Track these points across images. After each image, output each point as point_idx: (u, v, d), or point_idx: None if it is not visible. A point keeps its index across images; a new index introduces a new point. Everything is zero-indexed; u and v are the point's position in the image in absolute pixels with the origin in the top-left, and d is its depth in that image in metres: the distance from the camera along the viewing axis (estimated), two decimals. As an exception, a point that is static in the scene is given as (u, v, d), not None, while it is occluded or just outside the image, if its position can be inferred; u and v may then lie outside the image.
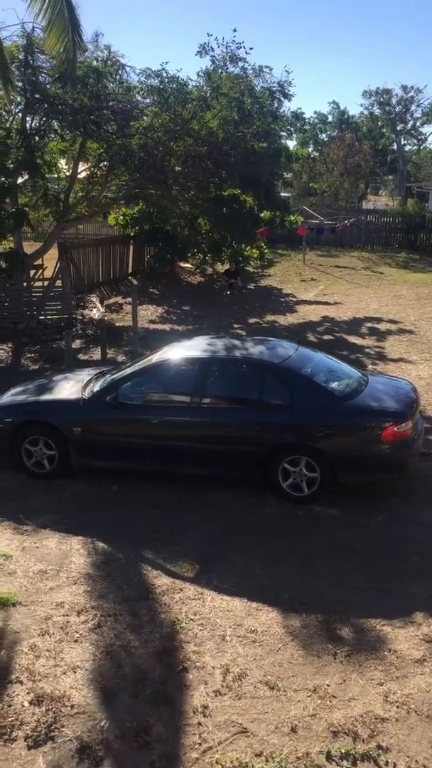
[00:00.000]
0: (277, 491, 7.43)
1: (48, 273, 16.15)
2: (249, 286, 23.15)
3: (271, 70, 17.53)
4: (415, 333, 16.05)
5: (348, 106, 79.31)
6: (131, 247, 22.90)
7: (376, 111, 54.12)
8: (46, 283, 15.75)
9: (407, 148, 56.93)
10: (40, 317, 15.21)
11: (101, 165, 16.98)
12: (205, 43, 17.07)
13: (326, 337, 15.81)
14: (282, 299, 21.08)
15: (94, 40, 15.42)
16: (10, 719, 4.25)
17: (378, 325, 17.06)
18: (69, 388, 8.37)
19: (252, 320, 17.68)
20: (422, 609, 5.53)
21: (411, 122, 54.08)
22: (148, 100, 16.35)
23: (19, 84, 14.65)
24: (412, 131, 55.48)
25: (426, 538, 6.74)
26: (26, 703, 4.39)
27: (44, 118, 15.55)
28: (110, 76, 15.59)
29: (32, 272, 15.84)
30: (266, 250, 25.34)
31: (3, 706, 4.35)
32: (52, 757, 3.99)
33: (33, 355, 13.64)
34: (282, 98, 18.68)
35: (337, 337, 15.71)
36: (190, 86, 16.79)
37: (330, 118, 60.11)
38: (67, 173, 17.69)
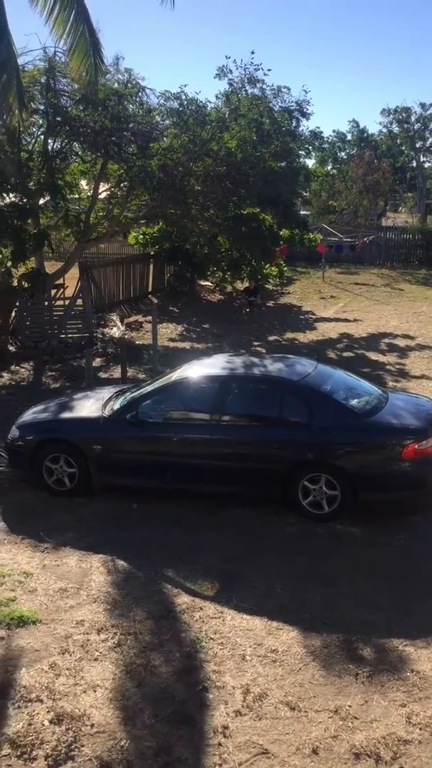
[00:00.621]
0: (298, 509, 7.39)
1: (69, 292, 16.36)
2: (268, 304, 23.19)
3: (289, 90, 17.77)
4: (436, 350, 15.95)
5: (367, 125, 79.47)
6: (151, 266, 23.08)
7: (395, 129, 54.28)
8: (67, 302, 15.96)
9: (426, 165, 56.98)
10: (62, 336, 15.40)
11: (122, 185, 17.21)
12: (224, 65, 17.41)
13: (346, 354, 15.77)
14: (301, 317, 21.08)
15: (115, 63, 15.74)
16: (30, 738, 4.24)
17: (398, 341, 16.99)
18: (89, 406, 8.42)
19: (271, 338, 17.70)
20: (445, 629, 5.46)
21: (430, 139, 54.11)
22: (167, 122, 16.59)
23: (41, 107, 14.93)
24: (431, 148, 55.49)
25: (448, 557, 6.65)
26: (46, 722, 4.38)
27: (66, 140, 15.82)
28: (131, 99, 15.87)
29: (54, 292, 16.04)
30: (285, 268, 25.40)
31: (23, 724, 4.35)
32: (72, 776, 3.98)
33: (54, 373, 13.75)
34: (300, 117, 18.90)
35: (356, 354, 15.66)
36: (208, 108, 17.03)
37: (349, 137, 60.35)
38: (88, 194, 17.94)
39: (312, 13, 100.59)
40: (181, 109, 16.20)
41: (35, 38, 27.51)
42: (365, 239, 32.31)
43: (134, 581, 6.17)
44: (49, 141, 15.77)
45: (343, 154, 59.13)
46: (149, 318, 17.25)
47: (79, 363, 13.92)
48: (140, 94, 16.23)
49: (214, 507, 7.60)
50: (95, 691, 4.68)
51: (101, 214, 17.96)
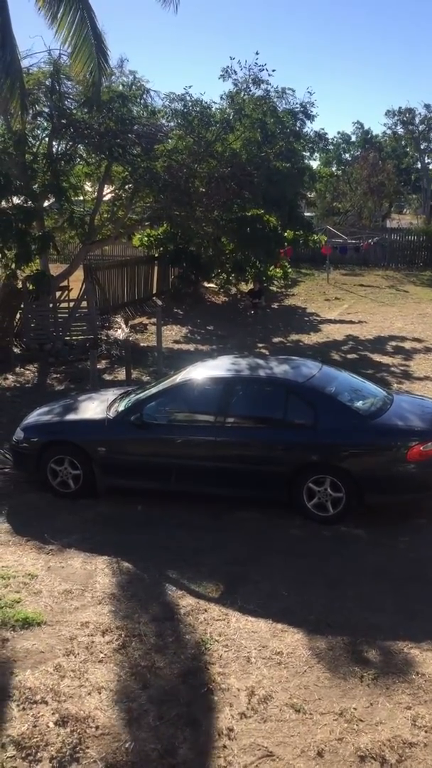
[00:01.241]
0: (302, 511, 7.38)
1: (74, 294, 16.39)
2: (273, 306, 23.19)
3: (294, 91, 17.74)
4: (441, 351, 15.93)
5: (372, 126, 79.52)
6: (156, 268, 23.10)
7: (400, 130, 54.21)
8: (71, 304, 15.98)
9: (431, 166, 56.87)
10: (66, 338, 15.43)
11: (126, 187, 17.24)
12: (228, 66, 17.35)
13: (351, 356, 15.75)
14: (306, 318, 21.07)
15: (119, 66, 15.77)
16: (35, 740, 4.24)
17: (403, 343, 16.97)
18: (94, 408, 8.43)
19: (276, 339, 17.69)
20: (451, 631, 5.44)
21: (434, 141, 54.02)
22: (172, 124, 16.61)
23: (46, 109, 14.97)
24: (436, 150, 55.41)
25: (454, 559, 6.64)
26: (51, 724, 4.38)
27: (70, 143, 15.85)
28: (135, 101, 15.88)
29: (58, 294, 16.07)
30: (290, 270, 25.39)
31: (28, 726, 4.35)
32: (77, 778, 3.98)
33: (59, 375, 13.76)
34: (305, 119, 18.86)
35: (361, 356, 15.64)
36: (213, 109, 17.03)
37: (353, 138, 60.31)
38: (93, 196, 17.98)
39: (315, 15, 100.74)
40: (185, 110, 16.21)
41: (40, 40, 27.55)
42: (370, 241, 32.29)
43: (139, 583, 6.17)
44: (54, 143, 15.80)
45: (347, 155, 59.10)
46: (154, 320, 17.27)
47: (84, 365, 13.94)
48: (145, 95, 16.27)
49: (219, 509, 7.60)
50: (100, 693, 4.68)
51: (106, 216, 17.98)
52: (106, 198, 17.86)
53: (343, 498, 7.23)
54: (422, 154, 53.78)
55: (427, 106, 50.95)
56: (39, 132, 16.20)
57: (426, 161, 54.73)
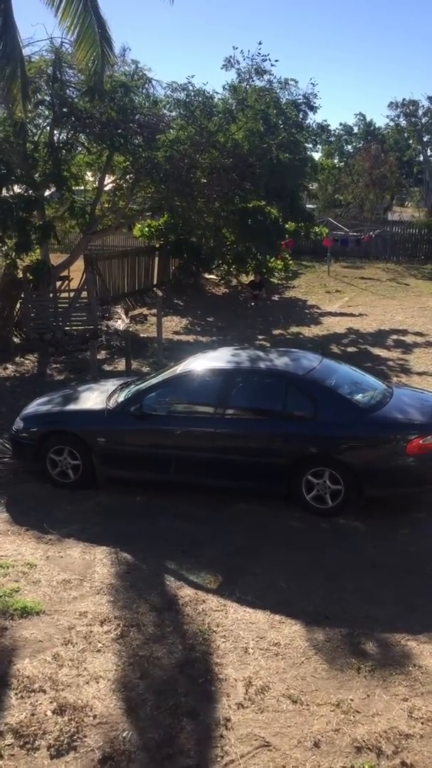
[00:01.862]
0: (302, 503, 7.39)
1: (74, 284, 16.36)
2: (273, 298, 23.15)
3: (296, 82, 17.57)
4: (441, 345, 15.91)
5: (374, 118, 79.13)
6: (156, 259, 23.05)
7: (402, 122, 53.96)
8: (72, 294, 15.95)
9: (433, 159, 56.67)
10: (66, 328, 15.41)
11: (127, 177, 17.18)
12: (231, 56, 17.18)
13: (351, 349, 15.74)
14: (306, 311, 21.04)
15: (122, 55, 15.68)
16: (33, 728, 4.26)
17: (403, 337, 16.95)
18: (94, 398, 8.42)
19: (276, 332, 17.67)
20: (448, 624, 5.46)
21: (437, 133, 53.79)
22: (174, 114, 16.52)
23: (47, 98, 14.90)
24: (439, 142, 55.19)
25: (452, 553, 6.65)
26: (49, 713, 4.40)
27: (72, 132, 15.78)
28: (137, 90, 15.79)
29: (58, 284, 16.04)
30: (291, 262, 25.33)
31: (26, 714, 4.37)
32: (75, 767, 3.99)
33: (58, 365, 13.76)
34: (307, 110, 18.70)
35: (361, 349, 15.63)
36: (215, 99, 16.92)
37: (356, 130, 60.05)
38: (94, 185, 17.92)
39: (319, 5, 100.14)
40: (188, 100, 16.10)
41: (41, 28, 27.43)
42: (371, 233, 32.20)
43: (137, 573, 6.19)
44: (55, 132, 15.74)
45: (349, 147, 58.86)
46: (154, 311, 17.24)
47: (84, 355, 13.93)
48: (147, 85, 16.17)
49: (218, 500, 7.61)
50: (98, 682, 4.70)
51: (107, 206, 17.93)
52: (107, 188, 17.80)
53: (342, 491, 7.24)
54: (425, 146, 53.54)
55: (430, 98, 50.71)
56: (40, 121, 16.14)
57: (429, 154, 54.48)
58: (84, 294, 16.05)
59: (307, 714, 4.46)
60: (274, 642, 5.21)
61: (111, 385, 8.90)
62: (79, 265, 17.29)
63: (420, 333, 17.34)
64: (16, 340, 14.81)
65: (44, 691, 4.59)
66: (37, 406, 8.61)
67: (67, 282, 16.36)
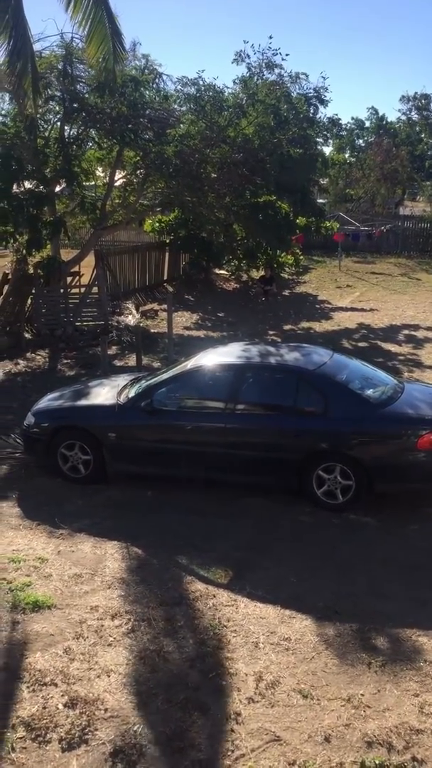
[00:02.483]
0: (312, 499, 7.39)
1: (85, 280, 16.39)
2: (284, 293, 23.11)
3: (307, 76, 17.55)
4: (453, 340, 15.83)
5: (386, 112, 78.67)
6: (167, 254, 23.04)
7: (414, 116, 53.71)
8: (82, 289, 15.98)
9: (445, 153, 56.38)
10: (77, 323, 15.45)
11: (138, 172, 17.18)
12: (241, 50, 17.22)
13: (362, 344, 15.69)
14: (317, 306, 20.99)
15: (132, 49, 15.62)
16: (44, 721, 4.29)
17: (415, 332, 16.88)
18: (104, 393, 8.44)
19: (287, 327, 17.64)
20: (459, 620, 5.44)
21: (449, 127, 53.51)
22: (184, 108, 16.49)
23: (58, 93, 14.91)
24: (451, 136, 54.89)
25: (463, 548, 6.63)
26: (60, 706, 4.42)
27: (82, 127, 15.78)
28: (147, 85, 15.76)
29: (69, 279, 16.06)
30: (301, 257, 25.26)
31: (38, 708, 4.39)
32: (86, 760, 4.01)
33: (69, 360, 13.79)
34: (318, 104, 18.66)
35: (372, 344, 15.58)
36: (226, 94, 16.88)
37: (368, 124, 59.78)
38: (104, 181, 17.92)
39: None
40: (198, 95, 16.07)
41: (52, 23, 27.36)
42: (382, 228, 32.07)
43: (148, 568, 6.21)
44: (66, 127, 15.74)
45: (361, 141, 58.62)
46: (164, 306, 17.24)
47: (95, 351, 13.96)
48: (157, 80, 16.14)
49: (229, 495, 7.61)
50: (109, 676, 4.72)
51: (117, 201, 17.93)
52: (118, 183, 17.80)
53: (352, 486, 7.23)
54: (437, 140, 53.29)
55: (442, 92, 50.43)
56: (51, 116, 16.15)
57: (440, 148, 54.26)
58: (95, 289, 16.07)
59: (318, 709, 4.46)
60: (284, 637, 5.21)
61: (122, 380, 8.91)
62: (89, 260, 17.31)
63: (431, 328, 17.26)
64: (27, 335, 14.86)
65: (56, 685, 4.61)
66: (48, 401, 8.64)
67: (77, 278, 16.38)
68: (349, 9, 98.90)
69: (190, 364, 8.23)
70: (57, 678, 4.68)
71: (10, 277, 14.93)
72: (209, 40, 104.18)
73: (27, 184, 15.29)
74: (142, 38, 65.96)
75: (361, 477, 7.21)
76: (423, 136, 55.91)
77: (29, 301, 15.10)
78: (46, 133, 15.79)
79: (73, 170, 15.26)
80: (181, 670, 4.81)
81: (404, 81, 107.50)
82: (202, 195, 16.50)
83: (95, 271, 16.62)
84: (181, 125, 15.71)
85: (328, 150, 37.20)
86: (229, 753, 4.08)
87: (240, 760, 4.03)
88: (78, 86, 14.92)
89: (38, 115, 14.45)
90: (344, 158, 46.82)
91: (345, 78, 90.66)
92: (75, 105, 14.93)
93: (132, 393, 8.10)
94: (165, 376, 8.23)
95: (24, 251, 14.91)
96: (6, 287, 14.85)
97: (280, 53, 17.22)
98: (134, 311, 17.56)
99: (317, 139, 20.35)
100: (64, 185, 16.22)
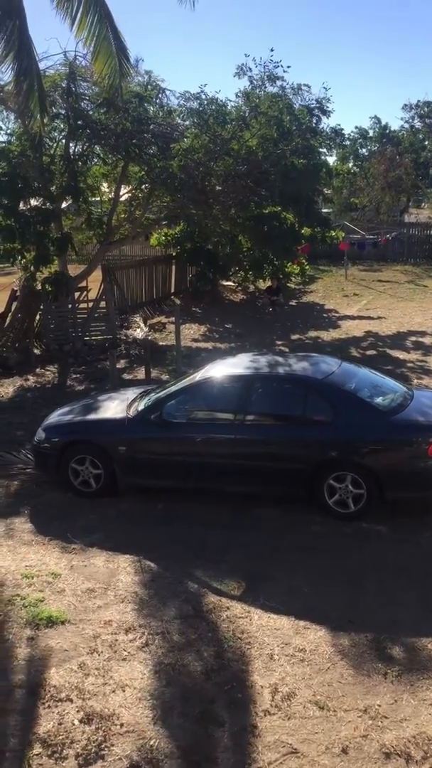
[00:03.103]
0: (324, 508, 7.37)
1: (92, 295, 16.45)
2: (291, 303, 23.12)
3: (309, 87, 17.62)
4: (462, 346, 15.79)
5: (389, 121, 78.62)
6: (173, 267, 23.12)
7: (417, 124, 53.73)
8: (90, 304, 16.04)
9: (449, 160, 56.33)
10: (86, 338, 15.50)
11: (143, 187, 17.25)
12: (243, 64, 17.28)
13: (370, 352, 15.67)
14: (324, 315, 21.00)
15: (135, 66, 15.73)
16: (60, 737, 4.28)
17: (423, 339, 16.85)
18: (114, 407, 8.46)
19: (294, 337, 17.65)
20: None
21: (453, 134, 53.46)
22: (187, 123, 16.58)
23: (62, 111, 15.03)
24: (454, 143, 54.83)
25: None
26: (76, 722, 4.42)
27: (87, 143, 15.89)
28: (151, 100, 15.88)
29: (77, 294, 16.14)
30: (308, 267, 25.27)
31: (54, 724, 4.39)
32: (103, 775, 4.01)
33: (78, 375, 13.84)
34: (321, 115, 18.73)
35: (380, 352, 15.56)
36: (228, 107, 16.97)
37: (371, 133, 59.83)
38: (110, 196, 18.01)
39: (331, 8, 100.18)
40: (201, 109, 16.17)
41: (55, 42, 27.68)
42: (388, 236, 32.05)
43: (161, 581, 6.20)
44: (71, 144, 15.85)
45: (364, 150, 58.67)
46: (172, 319, 17.28)
47: (104, 365, 14.00)
48: (160, 95, 16.25)
49: (240, 506, 7.60)
50: (124, 691, 4.71)
51: (123, 216, 18.02)
52: (123, 198, 17.89)
53: (364, 494, 7.21)
54: (440, 147, 53.25)
55: (445, 100, 50.44)
56: (56, 134, 16.27)
57: (444, 155, 54.20)
58: (102, 304, 16.13)
59: (335, 720, 4.44)
60: (299, 648, 5.19)
61: (131, 393, 8.93)
62: (96, 275, 17.39)
63: (440, 335, 17.23)
64: (36, 351, 14.92)
65: (71, 700, 4.61)
66: (58, 416, 8.66)
67: (85, 293, 16.45)
68: (350, 19, 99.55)
69: (199, 376, 8.24)
70: (72, 694, 4.67)
71: (18, 293, 15.02)
72: (211, 55, 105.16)
73: (33, 201, 15.41)
74: (143, 54, 66.61)
75: (372, 485, 7.18)
76: (426, 143, 55.88)
77: (38, 317, 15.18)
78: (52, 151, 15.92)
79: (78, 186, 15.36)
80: (197, 683, 4.79)
81: (406, 89, 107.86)
82: (207, 208, 16.56)
83: (102, 286, 16.69)
84: (185, 139, 15.79)
85: (331, 160, 37.31)
86: (247, 766, 4.07)
87: (257, 774, 4.01)
88: (82, 103, 15.05)
89: (44, 134, 14.56)
90: (348, 168, 46.89)
91: (347, 88, 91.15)
92: (79, 122, 15.05)
93: (141, 406, 8.12)
94: (174, 388, 8.25)
95: (32, 267, 15.00)
96: (15, 304, 14.94)
97: (281, 65, 17.33)
98: (142, 324, 17.61)
99: (321, 149, 20.40)
100: (70, 201, 16.33)
